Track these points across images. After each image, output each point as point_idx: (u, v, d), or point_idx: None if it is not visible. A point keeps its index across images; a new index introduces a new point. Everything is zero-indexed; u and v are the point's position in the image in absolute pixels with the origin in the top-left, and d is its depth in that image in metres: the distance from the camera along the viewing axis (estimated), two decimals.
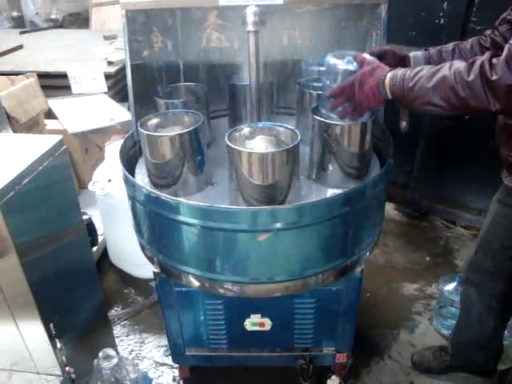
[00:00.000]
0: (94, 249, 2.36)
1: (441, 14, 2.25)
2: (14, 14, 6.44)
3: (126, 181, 1.43)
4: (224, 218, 1.24)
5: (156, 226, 1.40)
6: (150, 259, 1.53)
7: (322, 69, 1.49)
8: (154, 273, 1.53)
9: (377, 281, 2.37)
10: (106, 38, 4.98)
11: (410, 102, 1.13)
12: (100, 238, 2.42)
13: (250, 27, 1.40)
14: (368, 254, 1.55)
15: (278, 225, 1.24)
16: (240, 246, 1.29)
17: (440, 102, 1.07)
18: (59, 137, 1.33)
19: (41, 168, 1.26)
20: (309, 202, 1.26)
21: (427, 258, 2.55)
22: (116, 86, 4.09)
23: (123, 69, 4.10)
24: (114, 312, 2.23)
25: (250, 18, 1.40)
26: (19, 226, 1.18)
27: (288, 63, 1.78)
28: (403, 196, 2.80)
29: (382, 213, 1.60)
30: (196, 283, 1.42)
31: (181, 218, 1.28)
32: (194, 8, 1.59)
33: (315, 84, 1.65)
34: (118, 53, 4.31)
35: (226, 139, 1.30)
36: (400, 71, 1.15)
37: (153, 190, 1.31)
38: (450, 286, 2.03)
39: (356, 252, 1.46)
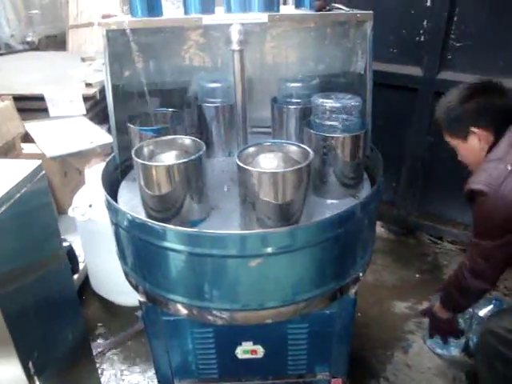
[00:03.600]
0: (75, 277, 2.27)
1: (421, 31, 2.27)
2: None
3: (109, 206, 1.36)
4: (213, 244, 1.18)
5: (141, 253, 1.33)
6: (135, 287, 1.46)
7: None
8: (140, 302, 1.46)
9: (367, 300, 2.33)
10: (84, 59, 4.92)
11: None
12: (81, 266, 2.33)
13: (235, 46, 1.37)
14: (361, 274, 1.51)
15: (270, 249, 1.19)
16: (230, 272, 1.24)
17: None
18: (37, 162, 1.26)
19: (18, 195, 1.19)
20: (301, 225, 1.22)
21: (416, 275, 2.52)
22: (95, 108, 4.02)
23: (102, 91, 4.06)
24: (97, 342, 2.13)
25: (235, 36, 1.37)
26: None
27: (254, 81, 1.74)
28: (390, 213, 2.78)
29: (373, 231, 1.57)
30: (184, 311, 1.35)
31: (167, 244, 1.22)
32: (176, 28, 1.56)
33: (291, 100, 1.63)
34: (97, 75, 4.26)
35: (237, 160, 1.25)
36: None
37: (137, 216, 1.25)
38: (486, 309, 1.99)
39: (350, 273, 1.42)
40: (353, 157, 1.45)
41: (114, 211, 1.34)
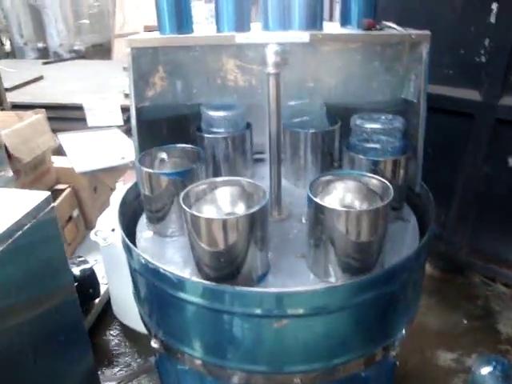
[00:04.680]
0: (97, 300, 2.17)
1: (482, 51, 2.04)
2: (40, 45, 6.51)
3: (124, 245, 1.23)
4: (234, 301, 1.02)
5: (155, 300, 1.19)
6: (149, 332, 1.32)
7: None
8: (154, 348, 1.32)
9: (408, 347, 2.09)
10: (126, 69, 4.92)
11: None
12: (103, 288, 2.22)
13: (271, 69, 1.22)
14: (404, 333, 1.30)
15: (301, 310, 1.02)
16: (251, 331, 1.07)
17: None
18: (46, 193, 1.16)
19: (26, 227, 1.09)
20: (339, 285, 1.03)
21: (464, 321, 2.26)
22: None
23: None
24: (109, 374, 2.01)
25: (271, 58, 1.21)
26: None
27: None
28: (437, 248, 2.53)
29: (421, 285, 1.36)
30: (200, 366, 1.20)
31: (183, 295, 1.07)
32: (207, 46, 1.42)
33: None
34: None
35: (312, 195, 1.08)
36: None
37: (151, 260, 1.10)
38: (485, 370, 1.72)
39: (391, 335, 1.22)
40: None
41: (128, 251, 1.21)
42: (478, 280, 2.53)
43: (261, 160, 1.64)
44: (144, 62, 1.40)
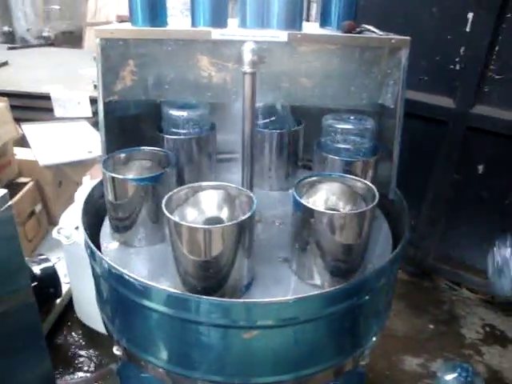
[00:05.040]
0: (58, 300, 2.08)
1: (457, 58, 2.05)
2: (5, 29, 6.24)
3: (86, 245, 1.16)
4: (202, 310, 0.97)
5: (119, 307, 1.13)
6: (111, 338, 1.26)
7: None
8: (116, 355, 1.26)
9: (375, 351, 2.09)
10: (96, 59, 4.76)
11: None
12: (65, 287, 2.13)
13: (247, 68, 1.17)
14: (374, 340, 1.29)
15: (271, 321, 0.98)
16: (220, 341, 1.03)
17: None
18: (3, 191, 1.07)
19: None
20: (310, 295, 1.00)
21: (430, 326, 2.29)
22: None
23: None
24: (67, 378, 1.92)
25: (247, 56, 1.17)
26: None
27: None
28: (406, 252, 2.55)
29: (393, 293, 1.35)
30: (165, 377, 1.14)
31: (148, 303, 1.01)
32: (181, 40, 1.36)
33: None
34: None
35: (297, 197, 1.05)
36: None
37: (115, 266, 1.04)
38: (450, 377, 1.74)
39: (362, 344, 1.20)
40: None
41: (91, 254, 1.15)
42: (444, 285, 2.57)
43: (224, 160, 1.61)
44: (113, 55, 1.32)
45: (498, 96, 2.02)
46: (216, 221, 1.07)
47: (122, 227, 1.24)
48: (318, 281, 1.11)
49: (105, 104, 1.34)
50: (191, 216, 1.07)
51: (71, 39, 6.38)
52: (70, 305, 2.19)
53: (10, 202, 1.08)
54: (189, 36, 1.29)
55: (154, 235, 1.25)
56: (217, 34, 1.24)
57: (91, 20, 5.99)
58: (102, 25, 5.24)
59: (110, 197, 1.21)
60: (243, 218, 0.98)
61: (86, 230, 1.22)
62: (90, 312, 2.06)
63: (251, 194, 1.07)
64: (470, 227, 2.36)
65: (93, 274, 1.25)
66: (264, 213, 1.39)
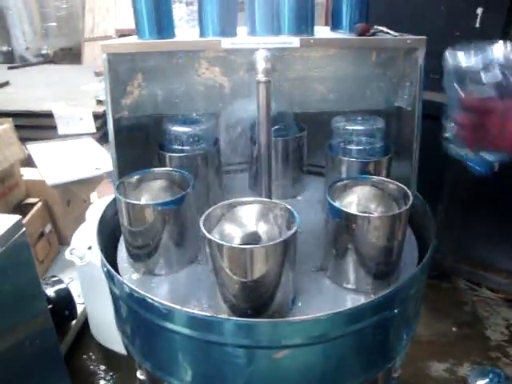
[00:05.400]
0: (73, 322, 2.04)
1: None
2: (4, 48, 6.25)
3: (106, 271, 1.13)
4: (228, 332, 0.93)
5: (142, 330, 1.09)
6: (135, 363, 1.22)
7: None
8: (140, 380, 1.21)
9: None
10: (98, 74, 4.77)
11: None
12: (80, 308, 2.09)
13: (261, 76, 1.13)
14: (405, 351, 1.24)
15: (299, 340, 0.94)
16: (250, 363, 0.98)
17: None
18: (17, 217, 1.04)
19: None
20: (340, 311, 0.95)
21: (453, 329, 2.23)
22: (105, 127, 3.84)
23: None
24: None
25: (261, 64, 1.13)
26: None
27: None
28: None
29: (421, 301, 1.30)
30: None
31: (172, 326, 0.97)
32: (190, 52, 1.33)
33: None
34: None
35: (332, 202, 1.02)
36: None
37: (136, 289, 1.00)
38: (482, 382, 1.69)
39: (394, 356, 1.16)
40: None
41: (109, 277, 1.11)
42: (463, 285, 2.51)
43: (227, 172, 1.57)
44: (121, 69, 1.29)
45: None
46: (254, 237, 1.04)
47: (143, 255, 1.16)
48: (359, 286, 1.10)
49: (114, 120, 1.30)
50: (230, 234, 1.03)
51: (70, 55, 6.39)
52: (85, 326, 2.15)
53: (23, 229, 1.04)
54: (198, 47, 1.26)
55: (180, 260, 1.18)
56: (227, 43, 1.21)
57: (89, 35, 6.00)
58: (101, 40, 5.23)
59: (126, 224, 1.12)
60: (290, 233, 0.93)
61: (102, 250, 1.18)
62: (107, 333, 2.02)
63: (289, 207, 1.02)
64: (487, 226, 2.32)
65: (112, 297, 1.21)
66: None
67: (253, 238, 1.04)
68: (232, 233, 1.04)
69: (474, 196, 2.27)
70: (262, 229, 1.05)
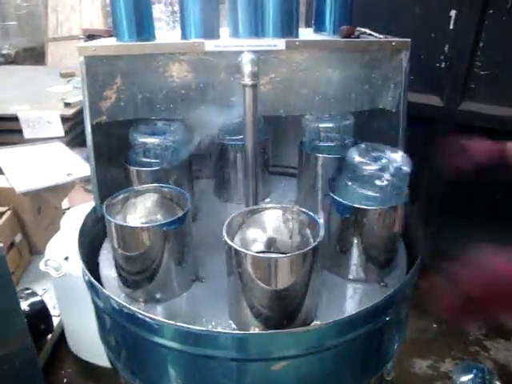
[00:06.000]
0: (49, 336, 1.95)
1: (442, 57, 2.05)
2: None
3: (89, 284, 1.07)
4: (223, 345, 0.90)
5: (130, 346, 1.04)
6: (123, 378, 1.17)
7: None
8: None
9: None
10: (63, 75, 4.61)
11: None
12: (56, 320, 2.00)
13: (248, 80, 1.11)
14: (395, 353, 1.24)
15: (293, 351, 0.92)
16: (243, 377, 0.96)
17: None
18: None
19: None
20: (333, 322, 0.93)
21: (434, 325, 2.27)
22: (74, 130, 3.72)
23: (82, 111, 3.72)
24: None
25: (247, 67, 1.10)
26: None
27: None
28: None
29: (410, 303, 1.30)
30: None
31: (164, 341, 0.93)
32: (171, 54, 1.28)
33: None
34: (76, 92, 3.96)
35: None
36: None
37: (126, 305, 0.95)
38: (466, 378, 1.71)
39: (387, 360, 1.15)
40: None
41: (94, 291, 1.05)
42: (440, 282, 2.55)
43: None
44: (99, 73, 1.24)
45: (485, 92, 2.02)
46: (276, 244, 1.04)
47: (142, 281, 1.06)
48: (368, 276, 1.15)
49: (92, 126, 1.25)
50: (250, 242, 1.02)
51: (33, 56, 6.17)
52: (61, 338, 2.06)
53: (1, 244, 0.98)
54: (181, 49, 1.21)
55: (182, 281, 1.12)
56: (211, 45, 1.17)
57: (53, 35, 5.81)
58: (66, 40, 5.05)
59: (124, 249, 1.02)
60: (318, 240, 0.91)
61: (84, 263, 1.12)
62: (85, 345, 1.95)
63: (310, 213, 1.00)
64: (464, 224, 2.36)
65: (96, 311, 1.15)
66: None
67: (275, 245, 1.04)
68: (253, 241, 1.03)
69: (450, 194, 2.31)
70: (284, 235, 1.04)
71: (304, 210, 1.02)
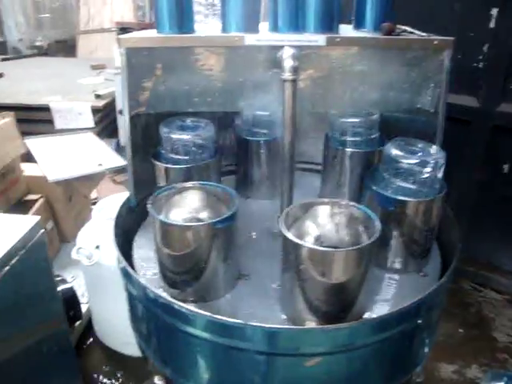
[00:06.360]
0: (78, 323, 1.98)
1: (480, 56, 2.00)
2: None
3: (125, 273, 1.08)
4: (252, 338, 0.90)
5: (163, 336, 1.05)
6: (153, 368, 1.18)
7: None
8: None
9: None
10: (94, 67, 4.69)
11: None
12: (84, 307, 2.04)
13: (288, 75, 1.10)
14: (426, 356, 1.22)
15: (329, 348, 0.91)
16: (281, 372, 0.96)
17: None
18: (36, 218, 0.99)
19: (13, 261, 0.93)
20: (366, 320, 0.93)
21: (460, 330, 2.23)
22: (104, 121, 3.79)
23: (112, 102, 3.78)
24: None
25: (288, 62, 1.10)
26: None
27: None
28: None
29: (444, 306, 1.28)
30: None
31: (198, 333, 0.94)
32: (211, 47, 1.28)
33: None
34: (106, 84, 4.03)
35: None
36: None
37: (161, 295, 0.96)
38: None
39: (418, 362, 1.14)
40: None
41: (129, 280, 1.07)
42: (468, 287, 2.51)
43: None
44: (139, 65, 1.25)
45: None
46: (322, 238, 1.03)
47: (190, 281, 1.04)
48: (408, 266, 1.17)
49: (131, 118, 1.26)
50: (303, 236, 1.01)
51: (64, 48, 6.29)
52: (88, 326, 2.10)
53: (42, 230, 1.00)
54: (221, 42, 1.21)
55: (229, 279, 1.11)
56: (251, 39, 1.17)
57: (84, 28, 5.91)
58: (96, 33, 5.13)
59: (169, 249, 1.01)
60: (376, 235, 0.92)
61: (120, 251, 1.13)
62: (112, 333, 1.98)
63: (361, 207, 1.01)
64: (494, 228, 2.31)
65: (128, 300, 1.17)
66: None
67: (324, 239, 1.03)
68: (305, 234, 1.02)
69: (482, 196, 2.26)
70: (333, 229, 1.04)
71: (356, 204, 1.02)
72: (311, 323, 0.97)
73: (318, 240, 1.02)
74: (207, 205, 1.11)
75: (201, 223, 1.02)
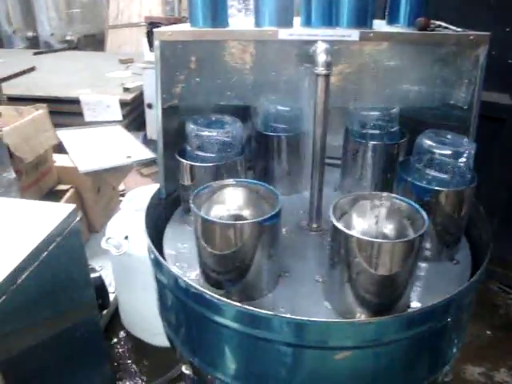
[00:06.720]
0: (105, 311, 2.04)
1: None
2: (29, 34, 6.28)
3: (155, 263, 1.11)
4: (287, 330, 0.91)
5: (193, 326, 1.07)
6: (180, 357, 1.20)
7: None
8: (185, 374, 1.20)
9: None
10: (122, 61, 4.77)
11: None
12: (111, 296, 2.09)
13: (321, 69, 1.10)
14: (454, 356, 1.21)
15: (357, 342, 0.91)
16: (307, 364, 0.96)
17: None
18: (72, 206, 1.02)
19: (50, 248, 0.96)
20: (393, 316, 0.92)
21: (488, 332, 2.19)
22: (131, 115, 3.84)
23: (140, 96, 3.83)
24: None
25: (321, 57, 1.10)
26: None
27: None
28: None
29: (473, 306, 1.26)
30: None
31: (228, 322, 0.95)
32: (244, 42, 1.29)
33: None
34: (134, 78, 4.09)
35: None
36: None
37: (193, 284, 0.98)
38: None
39: (445, 363, 1.13)
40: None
41: (160, 269, 1.09)
42: (496, 288, 2.46)
43: None
44: (173, 58, 1.26)
45: None
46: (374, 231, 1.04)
47: (235, 280, 1.02)
48: (440, 255, 1.18)
49: (163, 110, 1.28)
50: (353, 227, 1.02)
51: (93, 42, 6.40)
52: (115, 315, 2.15)
53: (78, 217, 1.03)
54: (254, 37, 1.22)
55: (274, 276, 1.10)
56: (285, 34, 1.17)
57: (113, 22, 5.99)
58: (125, 27, 5.21)
59: (213, 248, 0.98)
60: (426, 225, 0.91)
61: (152, 242, 1.15)
62: (138, 323, 2.02)
63: (411, 202, 0.99)
64: None
65: (158, 289, 1.19)
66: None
67: (377, 232, 1.03)
68: (355, 227, 1.03)
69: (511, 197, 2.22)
70: (384, 222, 1.04)
71: (398, 196, 1.02)
72: (361, 316, 0.97)
73: (367, 233, 1.02)
74: (249, 203, 1.08)
75: (249, 221, 0.99)
